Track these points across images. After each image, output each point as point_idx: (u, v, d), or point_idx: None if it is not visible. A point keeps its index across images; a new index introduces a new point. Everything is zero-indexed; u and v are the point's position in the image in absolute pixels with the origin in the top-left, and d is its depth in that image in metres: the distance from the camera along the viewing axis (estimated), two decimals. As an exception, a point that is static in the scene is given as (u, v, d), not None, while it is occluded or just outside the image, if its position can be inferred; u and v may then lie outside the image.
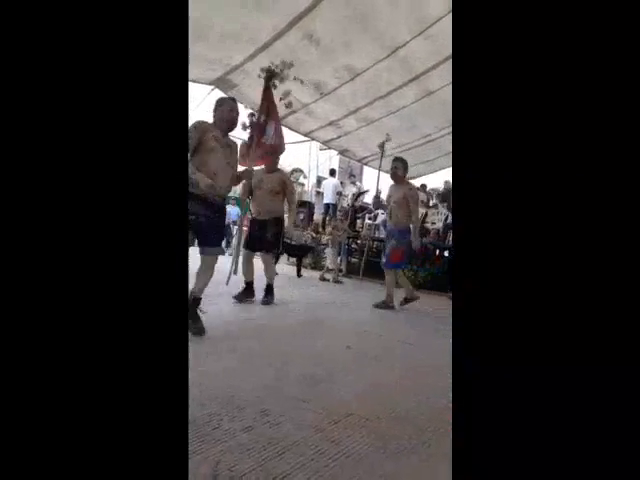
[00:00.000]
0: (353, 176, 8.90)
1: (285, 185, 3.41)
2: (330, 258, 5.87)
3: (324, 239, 6.57)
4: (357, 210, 7.15)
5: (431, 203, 7.28)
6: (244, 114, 4.26)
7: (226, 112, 2.38)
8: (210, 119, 2.39)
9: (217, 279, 2.52)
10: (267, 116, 2.99)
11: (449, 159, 6.38)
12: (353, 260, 6.81)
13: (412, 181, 7.84)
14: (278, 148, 3.19)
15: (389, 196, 3.84)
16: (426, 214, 7.03)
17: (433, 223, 6.90)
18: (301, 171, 10.56)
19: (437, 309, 4.13)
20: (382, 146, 5.29)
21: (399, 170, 3.71)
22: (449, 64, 4.14)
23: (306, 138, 5.92)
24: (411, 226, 3.69)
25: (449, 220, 6.61)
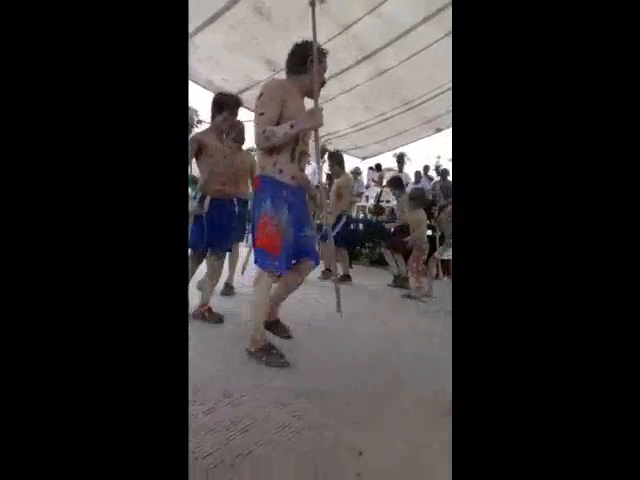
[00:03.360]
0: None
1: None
2: None
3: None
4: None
5: (384, 182, 7.41)
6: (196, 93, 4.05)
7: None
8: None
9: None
10: None
11: (402, 138, 6.50)
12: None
13: (367, 160, 7.95)
14: None
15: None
16: (381, 192, 7.17)
17: (387, 201, 7.06)
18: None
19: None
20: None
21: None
22: (400, 43, 4.17)
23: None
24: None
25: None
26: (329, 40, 3.99)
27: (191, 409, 1.28)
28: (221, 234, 2.42)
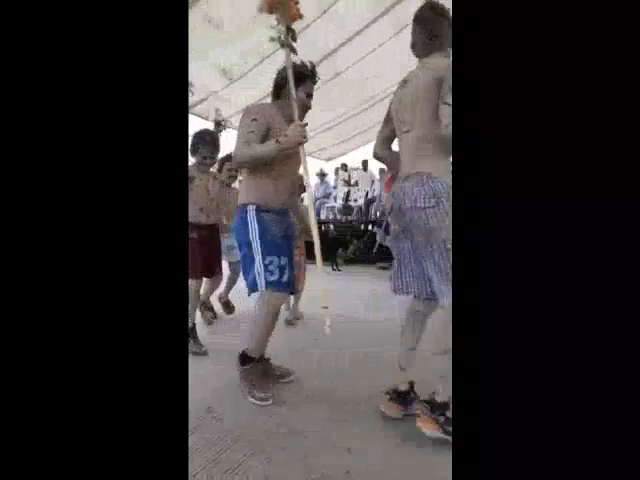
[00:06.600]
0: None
1: None
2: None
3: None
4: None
5: (352, 182, 7.48)
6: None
7: None
8: None
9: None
10: None
11: (364, 137, 6.60)
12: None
13: (332, 161, 7.99)
14: None
15: None
16: (349, 192, 7.25)
17: (355, 200, 7.14)
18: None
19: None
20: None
21: None
22: (352, 44, 4.24)
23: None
24: None
25: (369, 196, 6.91)
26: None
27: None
28: None
